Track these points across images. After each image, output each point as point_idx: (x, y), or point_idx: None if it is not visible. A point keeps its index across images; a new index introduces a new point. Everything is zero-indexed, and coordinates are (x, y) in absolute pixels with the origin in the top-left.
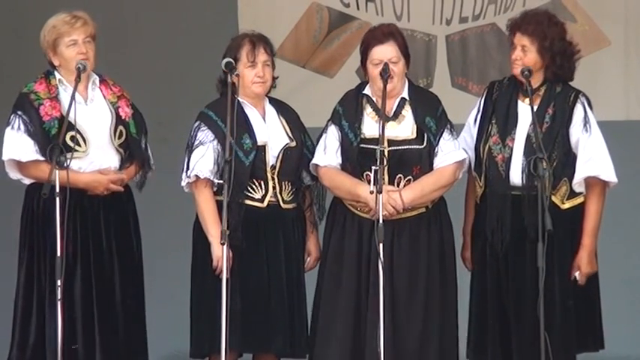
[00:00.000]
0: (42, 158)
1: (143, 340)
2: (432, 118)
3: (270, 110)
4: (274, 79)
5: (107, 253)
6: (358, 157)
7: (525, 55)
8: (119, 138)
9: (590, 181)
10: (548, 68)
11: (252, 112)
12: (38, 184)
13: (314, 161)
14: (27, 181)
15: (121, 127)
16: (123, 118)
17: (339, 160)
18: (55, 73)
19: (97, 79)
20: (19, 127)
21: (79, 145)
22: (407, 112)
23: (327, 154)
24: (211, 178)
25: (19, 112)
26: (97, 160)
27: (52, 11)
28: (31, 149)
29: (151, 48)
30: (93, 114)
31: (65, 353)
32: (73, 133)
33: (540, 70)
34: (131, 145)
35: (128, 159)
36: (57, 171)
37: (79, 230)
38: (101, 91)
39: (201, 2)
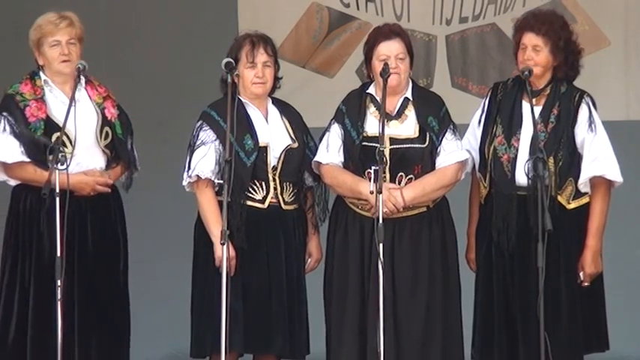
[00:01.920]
0: (28, 159)
1: (125, 343)
2: (435, 117)
3: (273, 111)
4: (278, 79)
5: (93, 253)
6: (360, 156)
7: (537, 54)
8: (105, 139)
9: (595, 181)
10: (559, 68)
11: (254, 113)
12: (24, 186)
13: (316, 159)
14: (12, 183)
15: (107, 128)
16: (109, 118)
17: (342, 159)
18: (41, 73)
19: (82, 79)
20: (4, 129)
21: (66, 146)
22: (410, 111)
23: (330, 152)
24: (212, 178)
25: (5, 114)
26: (83, 160)
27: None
28: (17, 151)
29: (151, 48)
30: (79, 115)
31: (44, 352)
32: (58, 134)
33: (548, 70)
34: (117, 145)
35: (114, 160)
36: (57, 170)
37: (65, 231)
38: (87, 91)
39: (201, 2)
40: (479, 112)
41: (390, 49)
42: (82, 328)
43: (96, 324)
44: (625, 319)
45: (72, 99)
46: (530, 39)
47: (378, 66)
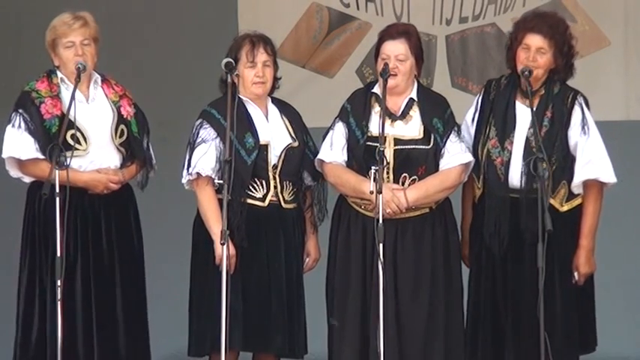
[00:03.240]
0: (42, 156)
1: (145, 340)
2: (440, 119)
3: (273, 110)
4: (277, 79)
5: (107, 252)
6: (364, 155)
7: (541, 57)
8: (120, 137)
9: (588, 183)
10: (558, 70)
11: (255, 111)
12: (40, 183)
13: (319, 157)
14: (27, 180)
15: (122, 126)
16: (124, 117)
17: (345, 157)
18: (57, 72)
19: (98, 78)
20: (19, 125)
21: (80, 144)
22: (415, 112)
23: (334, 150)
24: (213, 176)
25: (20, 110)
26: (97, 158)
27: (52, 11)
28: (32, 147)
29: (152, 48)
30: (94, 113)
31: (65, 352)
32: (73, 131)
33: (546, 72)
34: (132, 144)
35: (129, 158)
36: (57, 170)
37: (79, 230)
38: (103, 90)
39: (201, 2)
40: (472, 109)
41: (391, 50)
42: (99, 326)
43: (113, 323)
44: (624, 319)
45: (72, 98)
46: (535, 41)
47: (379, 65)
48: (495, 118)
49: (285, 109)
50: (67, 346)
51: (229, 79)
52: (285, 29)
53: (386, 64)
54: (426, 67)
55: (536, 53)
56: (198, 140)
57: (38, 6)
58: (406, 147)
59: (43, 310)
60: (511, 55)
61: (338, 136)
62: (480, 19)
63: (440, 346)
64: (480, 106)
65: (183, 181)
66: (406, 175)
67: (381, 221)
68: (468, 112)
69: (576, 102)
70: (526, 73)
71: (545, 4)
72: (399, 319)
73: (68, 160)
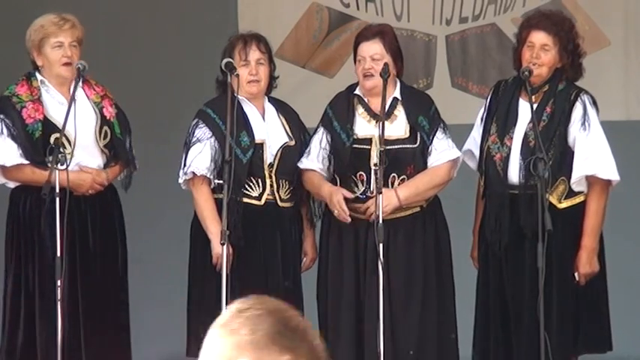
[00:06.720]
0: (26, 162)
1: (126, 343)
2: (425, 117)
3: (270, 108)
4: (274, 78)
5: (93, 254)
6: (351, 158)
7: (545, 54)
8: (104, 138)
9: (590, 180)
10: (564, 69)
11: (251, 110)
12: (22, 188)
13: (297, 164)
14: (12, 185)
15: (105, 128)
16: (107, 118)
17: (321, 165)
18: (37, 74)
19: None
20: (1, 132)
21: (64, 147)
22: (399, 111)
23: (309, 158)
24: (208, 176)
25: (2, 116)
26: (82, 160)
27: (51, 12)
28: (15, 153)
29: (151, 48)
30: (78, 115)
31: (51, 353)
32: (57, 134)
33: (551, 70)
34: (116, 145)
35: (112, 159)
36: (56, 170)
37: (65, 231)
38: (84, 91)
39: (201, 2)
40: (482, 110)
41: (365, 50)
42: (87, 328)
43: (99, 324)
44: (624, 319)
45: (72, 99)
46: (540, 38)
47: (357, 67)
48: (497, 115)
49: (282, 108)
50: (51, 347)
51: (229, 80)
52: (285, 29)
53: (386, 64)
54: (426, 67)
55: (540, 50)
56: (194, 140)
57: (37, 7)
58: (393, 147)
59: (30, 315)
60: (517, 56)
61: (316, 143)
62: (480, 19)
63: (434, 346)
64: (488, 106)
65: (180, 181)
66: (395, 175)
67: (380, 221)
68: (477, 113)
69: (579, 99)
70: (526, 73)
71: (545, 4)
72: (393, 320)
73: (68, 160)
